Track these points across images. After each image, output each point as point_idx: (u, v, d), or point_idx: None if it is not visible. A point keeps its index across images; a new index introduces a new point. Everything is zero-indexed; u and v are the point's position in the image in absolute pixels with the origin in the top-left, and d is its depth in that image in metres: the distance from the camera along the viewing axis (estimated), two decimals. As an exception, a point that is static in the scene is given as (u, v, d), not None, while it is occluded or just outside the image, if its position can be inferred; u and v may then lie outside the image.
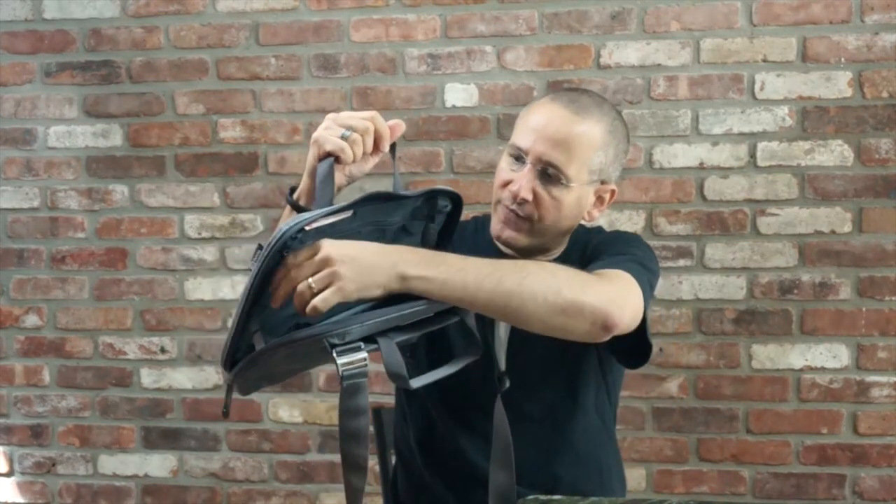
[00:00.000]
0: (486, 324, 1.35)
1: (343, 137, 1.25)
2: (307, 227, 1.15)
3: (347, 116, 1.28)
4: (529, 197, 1.51)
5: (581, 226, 1.69)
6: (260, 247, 1.15)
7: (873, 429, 2.55)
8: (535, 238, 1.56)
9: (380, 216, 1.28)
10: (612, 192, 1.61)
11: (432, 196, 1.33)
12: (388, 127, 1.29)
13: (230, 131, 2.77)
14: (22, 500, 2.91)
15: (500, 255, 1.62)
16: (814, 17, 2.53)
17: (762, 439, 2.58)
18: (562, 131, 1.51)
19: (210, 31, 2.77)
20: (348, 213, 1.20)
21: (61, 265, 2.86)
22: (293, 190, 1.34)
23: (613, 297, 1.34)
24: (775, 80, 2.55)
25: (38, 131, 2.86)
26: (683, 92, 2.58)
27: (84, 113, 2.83)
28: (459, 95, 2.66)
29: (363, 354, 1.14)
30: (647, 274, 1.48)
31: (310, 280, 1.16)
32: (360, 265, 1.20)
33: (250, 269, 1.16)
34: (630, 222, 2.59)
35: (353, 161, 1.27)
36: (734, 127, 2.56)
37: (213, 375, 2.79)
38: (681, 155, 2.59)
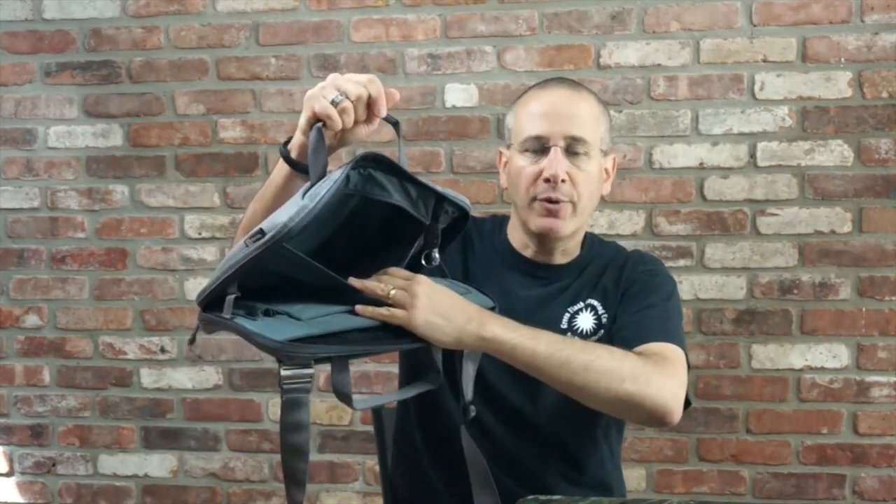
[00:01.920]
0: (457, 355, 1.36)
1: (334, 102, 1.22)
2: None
3: (345, 79, 1.25)
4: (566, 176, 1.53)
5: (593, 235, 1.70)
6: (261, 231, 1.14)
7: (873, 429, 2.55)
8: (577, 221, 1.59)
9: (374, 189, 1.23)
10: (614, 161, 1.66)
11: (441, 199, 1.31)
12: (386, 93, 1.26)
13: (230, 131, 2.77)
14: (22, 500, 2.91)
15: (515, 255, 1.64)
16: (814, 17, 2.53)
17: (762, 439, 2.58)
18: (570, 105, 1.56)
19: (210, 31, 2.77)
20: (341, 181, 1.16)
21: (61, 265, 2.86)
22: (288, 141, 1.33)
23: (675, 393, 1.40)
24: (775, 80, 2.55)
25: (38, 131, 2.86)
26: (683, 92, 2.58)
27: (84, 113, 2.83)
28: (459, 95, 2.66)
29: (310, 371, 1.13)
30: (678, 315, 1.56)
31: (391, 289, 1.25)
32: (439, 307, 1.27)
33: (244, 244, 1.14)
34: (630, 222, 2.60)
35: (343, 129, 1.25)
36: (734, 127, 2.56)
37: (213, 375, 2.79)
38: (681, 155, 2.59)
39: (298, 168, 1.30)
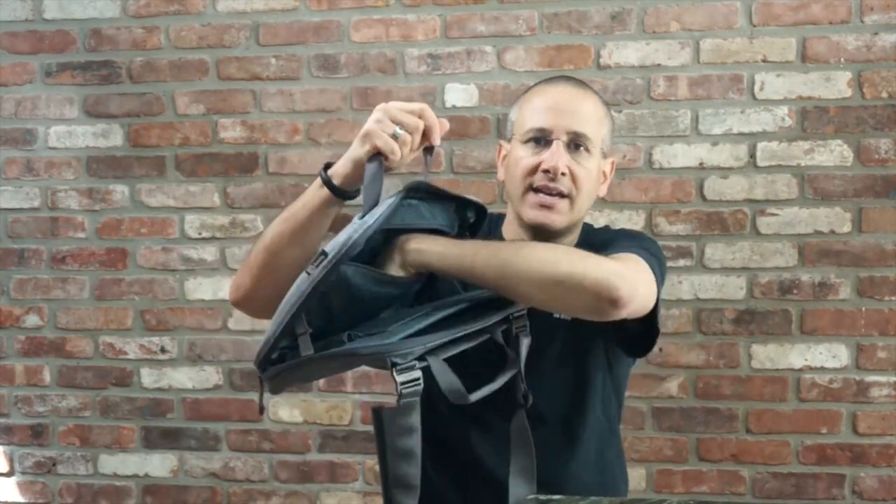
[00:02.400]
0: (511, 339, 1.37)
1: (394, 136, 1.26)
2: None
3: (398, 110, 1.28)
4: (567, 170, 1.52)
5: (590, 225, 1.70)
6: (324, 253, 1.15)
7: (873, 428, 2.55)
8: (572, 216, 1.57)
9: (412, 219, 1.30)
10: (612, 164, 1.66)
11: (463, 205, 1.36)
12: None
13: (230, 131, 2.77)
14: (22, 500, 2.92)
15: None
16: (813, 18, 2.53)
17: (762, 439, 2.58)
18: (576, 103, 1.56)
19: (210, 31, 2.77)
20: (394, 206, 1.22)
21: (62, 265, 2.86)
22: (328, 166, 1.35)
23: (620, 272, 1.35)
24: (775, 81, 2.55)
25: (38, 131, 2.86)
26: (683, 92, 2.58)
27: (84, 113, 2.84)
28: (459, 95, 2.66)
29: (418, 374, 1.17)
30: (656, 262, 1.51)
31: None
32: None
33: (307, 273, 1.16)
34: (630, 222, 2.60)
35: (402, 160, 1.28)
36: (734, 127, 2.56)
37: (213, 375, 2.79)
38: (680, 155, 2.59)
39: (343, 195, 1.32)
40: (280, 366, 1.20)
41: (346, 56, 2.70)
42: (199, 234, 2.80)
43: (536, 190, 1.54)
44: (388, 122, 1.27)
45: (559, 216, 1.54)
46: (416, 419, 1.15)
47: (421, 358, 1.19)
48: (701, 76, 2.57)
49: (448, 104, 2.67)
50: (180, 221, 2.81)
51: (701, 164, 2.58)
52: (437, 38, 2.67)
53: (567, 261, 1.32)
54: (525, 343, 1.36)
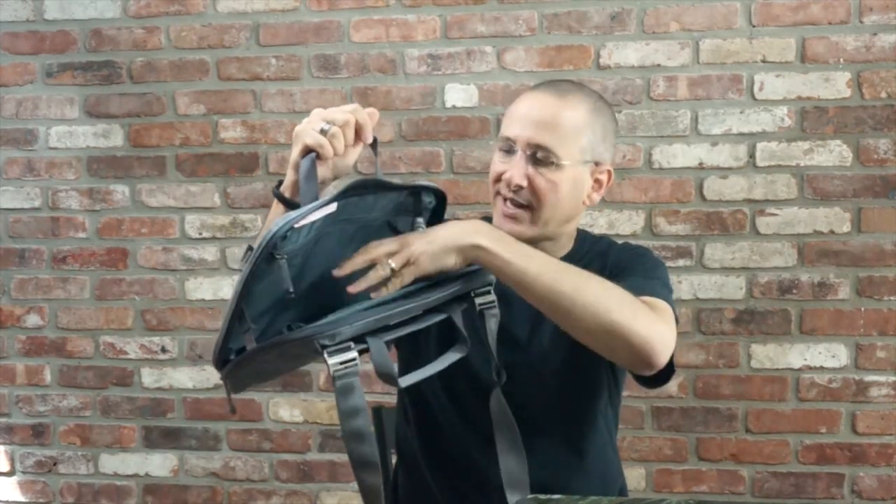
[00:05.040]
0: (476, 319, 1.36)
1: (322, 132, 1.27)
2: (296, 226, 1.17)
3: (328, 111, 1.30)
4: (524, 182, 1.52)
5: (587, 232, 1.70)
6: (250, 248, 1.16)
7: (872, 428, 2.55)
8: (538, 228, 1.56)
9: (361, 212, 1.28)
10: (609, 173, 1.61)
11: (416, 192, 1.34)
12: (368, 113, 1.30)
13: (231, 131, 2.78)
14: (23, 500, 2.92)
15: None
16: (813, 18, 2.53)
17: (761, 439, 2.59)
18: (546, 113, 1.54)
19: (210, 31, 2.78)
20: (332, 208, 1.21)
21: (62, 265, 2.87)
22: (280, 183, 1.35)
23: (663, 336, 1.39)
24: (774, 81, 2.55)
25: (39, 131, 2.87)
26: (683, 92, 2.58)
27: (85, 113, 2.84)
28: (459, 96, 2.67)
29: (353, 354, 1.15)
30: (670, 294, 1.53)
31: (390, 261, 1.25)
32: (436, 243, 1.29)
33: (241, 270, 1.17)
34: (630, 222, 2.60)
35: (335, 155, 1.28)
36: (733, 127, 2.57)
37: (213, 375, 2.80)
38: (680, 155, 2.59)
39: (294, 206, 1.31)
40: (228, 365, 1.21)
41: (347, 56, 2.71)
42: (200, 234, 2.80)
43: (505, 199, 1.55)
44: (317, 120, 1.29)
45: (522, 227, 1.54)
46: (358, 400, 1.13)
47: (360, 339, 1.18)
48: (700, 76, 2.58)
49: (448, 104, 2.67)
50: (181, 221, 2.81)
51: (700, 164, 2.58)
52: (437, 39, 2.68)
53: (618, 310, 1.34)
54: (493, 320, 1.35)
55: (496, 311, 1.36)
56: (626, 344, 1.35)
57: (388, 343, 1.22)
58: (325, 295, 1.25)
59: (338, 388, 1.13)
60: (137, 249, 2.83)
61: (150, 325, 2.83)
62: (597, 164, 1.58)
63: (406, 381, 1.26)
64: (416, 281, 1.29)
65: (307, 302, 1.23)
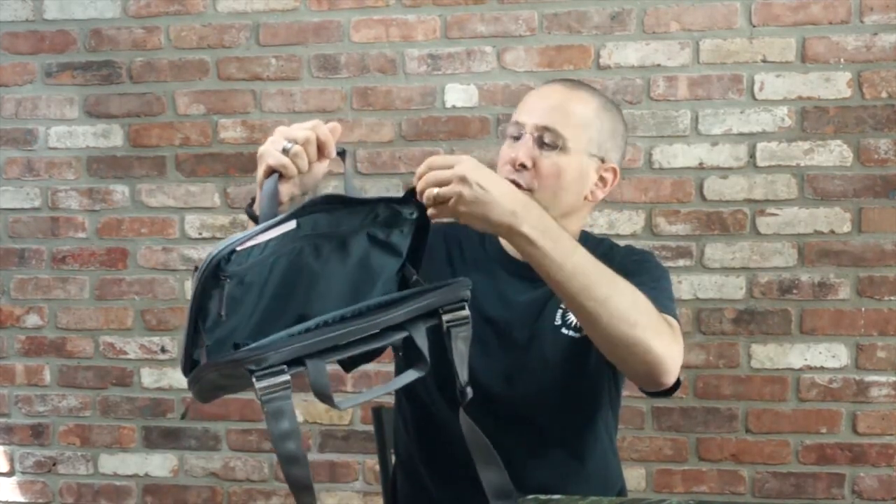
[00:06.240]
0: (443, 334, 1.28)
1: (285, 151, 1.25)
2: (238, 248, 1.15)
3: (290, 128, 1.28)
4: (529, 162, 1.52)
5: (589, 234, 1.70)
6: (196, 269, 1.16)
7: (872, 428, 2.55)
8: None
9: (332, 227, 1.26)
10: (614, 172, 1.62)
11: (390, 203, 1.30)
12: (331, 129, 1.29)
13: (231, 131, 2.77)
14: (23, 500, 2.92)
15: (505, 255, 1.63)
16: (813, 18, 2.53)
17: (761, 439, 2.59)
18: (556, 100, 1.57)
19: (210, 31, 2.77)
20: (291, 226, 1.19)
21: (62, 265, 2.87)
22: (254, 200, 1.34)
23: (676, 357, 1.41)
24: (775, 81, 2.55)
25: (38, 131, 2.87)
26: (683, 92, 2.58)
27: (85, 113, 2.84)
28: (459, 96, 2.67)
29: (285, 377, 1.11)
30: (675, 306, 1.55)
31: (436, 190, 1.27)
32: (484, 198, 1.28)
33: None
34: (630, 222, 2.60)
35: (298, 173, 1.27)
36: (734, 127, 2.57)
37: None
38: (680, 155, 2.59)
39: None
40: (188, 378, 1.20)
41: (347, 56, 2.71)
42: (200, 234, 2.80)
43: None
44: (280, 140, 1.27)
45: None
46: (289, 424, 1.10)
47: (298, 361, 1.14)
48: (701, 76, 2.57)
49: (448, 104, 2.67)
50: (180, 221, 2.81)
51: (701, 164, 2.58)
52: (437, 39, 2.67)
53: (643, 327, 1.35)
54: (461, 336, 1.26)
55: (467, 328, 1.26)
56: (642, 360, 1.37)
57: (365, 355, 1.20)
58: (302, 305, 1.24)
59: (266, 411, 1.11)
60: (137, 249, 2.83)
61: (150, 325, 2.83)
62: (602, 160, 1.58)
63: (345, 404, 1.23)
64: (386, 291, 1.28)
65: (278, 313, 1.23)
